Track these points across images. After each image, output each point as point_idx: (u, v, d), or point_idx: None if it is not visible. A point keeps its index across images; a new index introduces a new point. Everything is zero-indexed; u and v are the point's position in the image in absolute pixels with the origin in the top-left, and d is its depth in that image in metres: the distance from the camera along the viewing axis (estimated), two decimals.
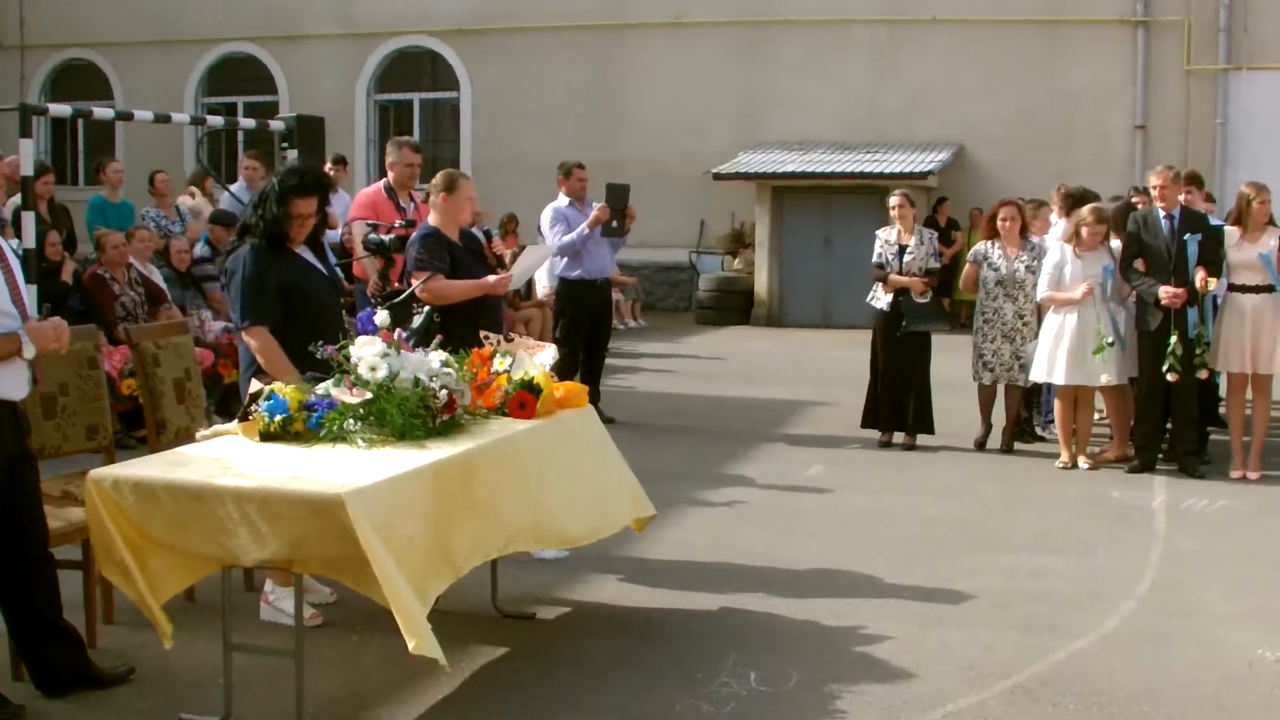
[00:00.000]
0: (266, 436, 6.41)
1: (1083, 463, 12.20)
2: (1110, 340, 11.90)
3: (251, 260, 7.49)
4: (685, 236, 27.77)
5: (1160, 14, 25.92)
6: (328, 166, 16.00)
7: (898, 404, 13.06)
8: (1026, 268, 12.74)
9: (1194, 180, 13.35)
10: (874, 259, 13.09)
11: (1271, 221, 11.77)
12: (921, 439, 13.05)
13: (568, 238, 13.83)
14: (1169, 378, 11.58)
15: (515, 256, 13.57)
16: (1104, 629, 7.69)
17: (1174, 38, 25.89)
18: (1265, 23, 25.35)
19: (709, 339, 23.40)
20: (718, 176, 26.06)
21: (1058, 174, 19.84)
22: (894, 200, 13.16)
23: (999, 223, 12.92)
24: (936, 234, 14.18)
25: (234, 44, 30.70)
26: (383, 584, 5.47)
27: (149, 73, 30.63)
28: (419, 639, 5.52)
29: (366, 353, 6.52)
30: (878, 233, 13.24)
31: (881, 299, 12.98)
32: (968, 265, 13.21)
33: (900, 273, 12.90)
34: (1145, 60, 26.06)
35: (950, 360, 13.57)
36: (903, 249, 12.96)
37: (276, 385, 6.59)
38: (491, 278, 9.27)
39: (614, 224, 13.85)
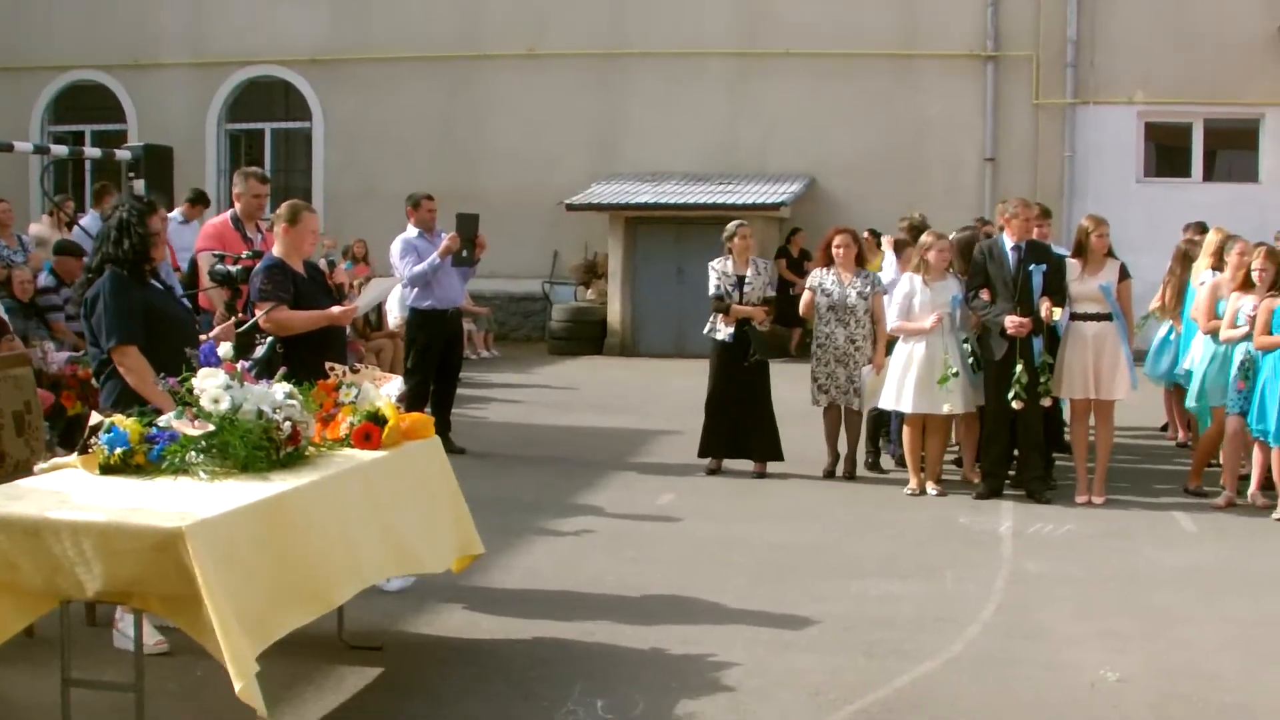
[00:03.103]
0: (107, 469, 6.32)
1: (931, 489, 12.34)
2: (955, 370, 12.07)
3: (114, 285, 7.54)
4: (539, 267, 27.75)
5: (1010, 49, 26.35)
6: (184, 203, 15.86)
7: (742, 433, 13.14)
8: (859, 294, 12.90)
9: (1044, 214, 13.60)
10: (712, 291, 13.14)
11: (1111, 253, 12.02)
12: (772, 466, 13.11)
13: (418, 268, 13.81)
14: (1014, 405, 11.77)
15: (363, 286, 13.51)
16: (950, 652, 7.78)
17: (1023, 72, 26.34)
18: (1111, 57, 25.87)
19: (562, 369, 23.39)
20: (571, 207, 26.06)
21: (909, 205, 20.02)
22: (735, 231, 13.22)
23: (833, 250, 13.07)
24: (772, 263, 14.30)
25: (82, 71, 30.22)
26: (215, 621, 5.38)
27: None
28: (245, 681, 5.41)
29: (209, 384, 6.45)
30: (711, 265, 13.29)
31: (722, 330, 13.03)
32: (805, 292, 13.34)
33: (740, 303, 12.99)
34: (995, 94, 26.48)
35: (798, 387, 13.67)
36: (741, 280, 13.05)
37: (117, 417, 6.51)
38: (336, 308, 9.23)
39: (464, 253, 13.86)
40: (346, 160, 28.93)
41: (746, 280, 13.04)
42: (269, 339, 8.52)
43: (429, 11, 28.31)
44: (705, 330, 13.30)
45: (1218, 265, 13.07)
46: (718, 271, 13.16)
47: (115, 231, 7.63)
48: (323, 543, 6.34)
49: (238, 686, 5.40)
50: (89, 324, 7.67)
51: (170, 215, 13.25)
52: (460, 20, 28.17)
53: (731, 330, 12.96)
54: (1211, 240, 13.53)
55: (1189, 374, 13.05)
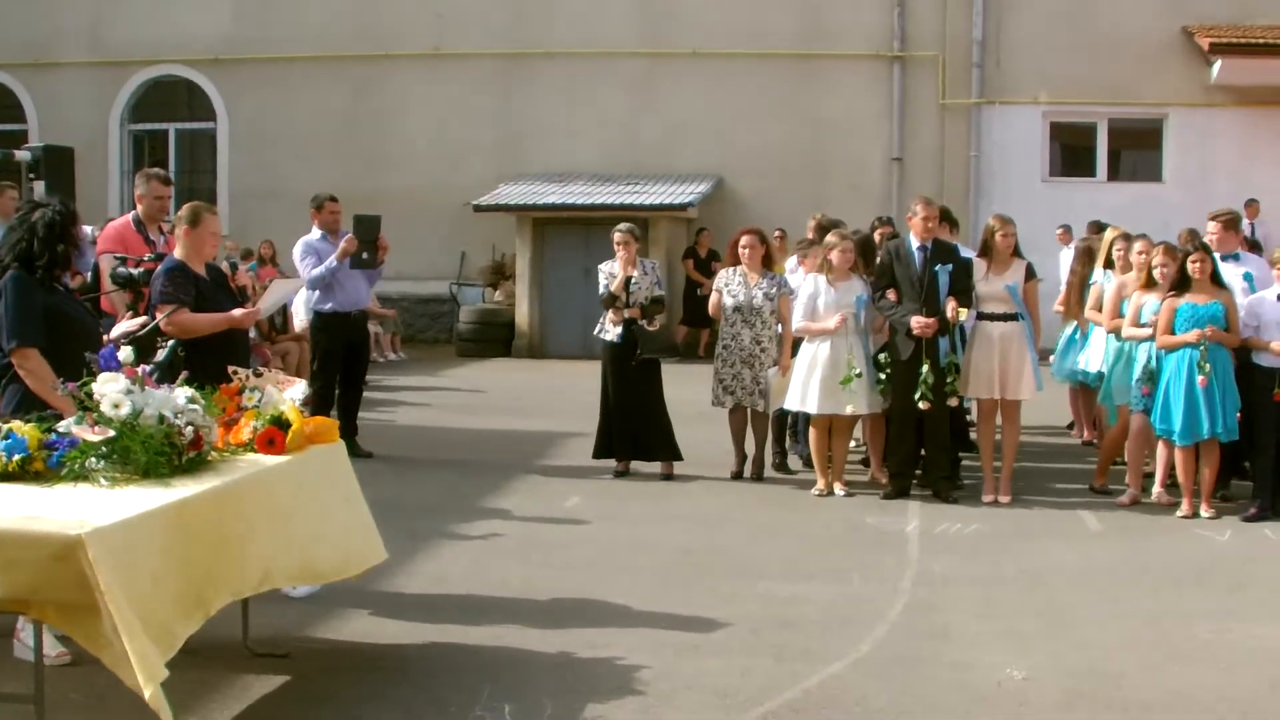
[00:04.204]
0: (4, 477, 6.22)
1: (839, 490, 12.38)
2: (859, 371, 12.12)
3: (17, 286, 7.45)
4: (445, 268, 27.63)
5: (916, 49, 26.54)
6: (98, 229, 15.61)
7: (634, 433, 13.19)
8: (765, 295, 12.92)
9: (944, 216, 13.63)
10: (601, 292, 13.19)
11: (1017, 253, 12.09)
12: (679, 468, 13.12)
13: (316, 270, 13.72)
14: (921, 406, 11.82)
15: (266, 289, 13.38)
16: (857, 653, 7.80)
17: (929, 72, 26.54)
18: (1016, 58, 26.14)
19: (470, 371, 23.31)
20: (478, 208, 25.99)
21: (815, 205, 20.08)
22: (618, 236, 13.24)
23: (740, 250, 13.09)
24: (658, 264, 14.33)
25: None
26: (121, 628, 5.31)
27: None
28: (154, 687, 5.35)
29: (109, 389, 6.36)
30: (600, 267, 13.37)
31: (610, 330, 13.08)
32: (713, 293, 13.35)
33: (628, 303, 13.01)
34: (901, 94, 26.67)
35: (708, 388, 13.68)
36: (628, 280, 13.07)
37: (15, 424, 6.41)
38: (238, 311, 9.18)
39: (364, 255, 13.73)
40: (251, 161, 28.67)
41: (634, 280, 13.07)
42: (170, 342, 8.42)
43: (332, 10, 28.13)
44: (595, 331, 13.34)
45: (1108, 264, 13.19)
46: (605, 273, 13.22)
47: (45, 231, 7.52)
48: (224, 550, 6.27)
49: (147, 693, 5.33)
50: None
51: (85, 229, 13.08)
52: (364, 19, 28.01)
53: (620, 330, 12.99)
54: (1106, 238, 13.65)
55: (1091, 373, 13.18)
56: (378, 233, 13.90)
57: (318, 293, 13.85)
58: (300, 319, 19.58)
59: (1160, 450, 11.92)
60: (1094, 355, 13.18)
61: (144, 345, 7.99)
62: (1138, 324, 11.83)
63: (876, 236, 13.49)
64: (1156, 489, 12.00)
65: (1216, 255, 11.90)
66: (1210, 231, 12.50)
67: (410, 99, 27.96)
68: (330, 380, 13.83)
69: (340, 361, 14.04)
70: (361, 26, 28.02)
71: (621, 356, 13.05)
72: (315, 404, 12.56)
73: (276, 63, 28.34)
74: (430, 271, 27.25)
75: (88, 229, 14.17)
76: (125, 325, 8.67)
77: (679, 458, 13.17)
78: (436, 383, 21.33)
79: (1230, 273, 12.01)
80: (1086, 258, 14.37)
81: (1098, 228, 16.26)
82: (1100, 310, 12.78)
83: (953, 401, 12.12)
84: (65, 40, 29.26)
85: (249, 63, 28.52)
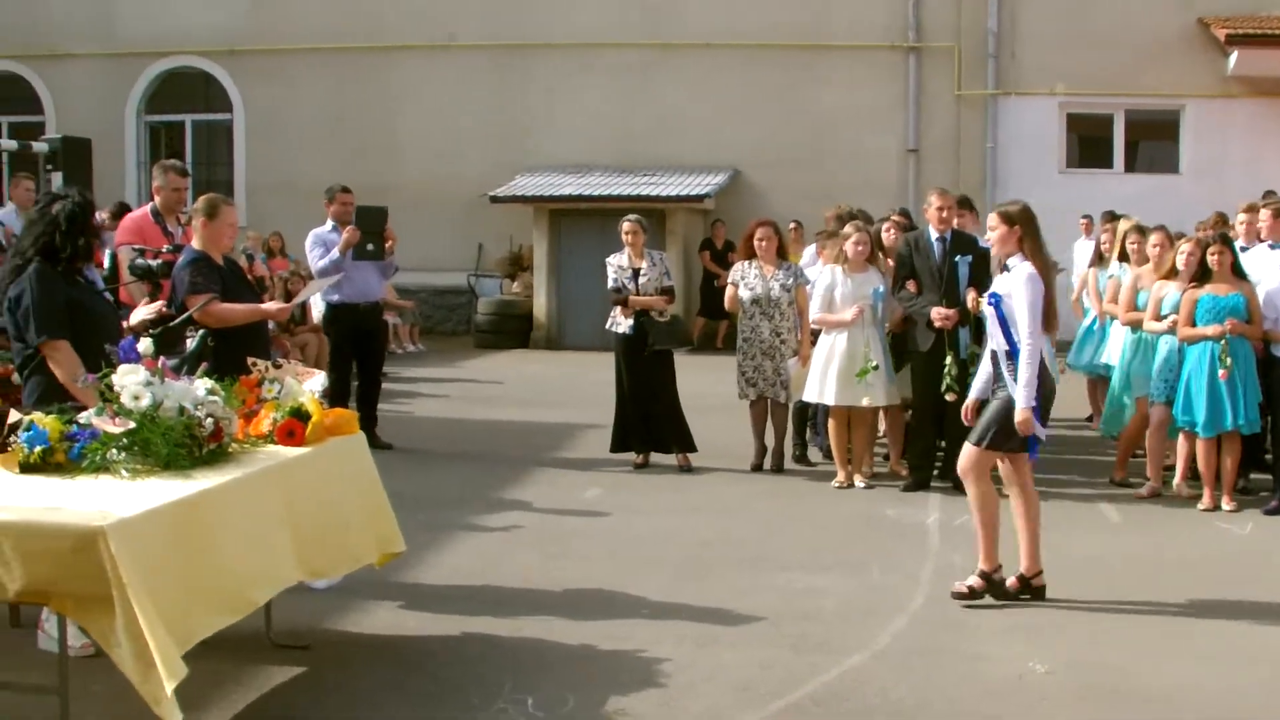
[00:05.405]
0: (26, 468, 6.23)
1: (859, 481, 12.35)
2: (875, 364, 12.09)
3: (41, 280, 7.45)
4: (463, 259, 27.59)
5: (931, 40, 26.48)
6: (105, 214, 15.57)
7: (649, 425, 13.18)
8: (782, 286, 12.90)
9: (965, 203, 13.59)
10: (610, 284, 13.20)
11: None
12: (698, 460, 13.10)
13: (321, 262, 13.72)
14: (947, 397, 11.74)
15: (285, 281, 13.40)
16: (876, 645, 7.79)
17: (945, 63, 26.48)
18: (1031, 50, 26.06)
19: (487, 363, 23.31)
20: (495, 199, 26.01)
21: (831, 196, 20.05)
22: (626, 226, 13.24)
23: (755, 242, 13.07)
24: (666, 255, 14.32)
25: None
26: (141, 620, 5.31)
27: None
28: (170, 686, 5.34)
29: (129, 381, 6.36)
30: (609, 260, 13.36)
31: (622, 323, 13.08)
32: (729, 286, 13.31)
33: (637, 295, 13.00)
34: (917, 85, 26.62)
35: (726, 380, 13.66)
36: (636, 272, 13.07)
37: (36, 415, 6.41)
38: (271, 304, 9.27)
39: (369, 247, 13.67)
40: (267, 152, 28.66)
41: (642, 272, 13.06)
42: (200, 332, 8.43)
43: (345, 0, 28.12)
44: (607, 325, 13.34)
45: (1123, 256, 13.15)
46: (614, 266, 13.21)
47: (67, 223, 7.52)
48: (244, 542, 6.28)
49: (168, 688, 5.32)
50: (13, 317, 7.54)
51: None
52: (380, 9, 28.00)
53: (631, 323, 12.99)
54: (1119, 230, 13.61)
55: (1112, 366, 13.14)
56: (384, 224, 13.86)
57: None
58: (318, 310, 19.60)
59: (1180, 442, 11.88)
60: (1114, 348, 13.12)
61: (174, 336, 8.01)
62: (1158, 316, 11.79)
63: (887, 231, 13.33)
64: (1177, 481, 11.96)
65: (1241, 245, 11.85)
66: (1261, 220, 12.33)
67: (425, 90, 27.95)
68: (343, 372, 13.83)
69: (352, 353, 14.07)
70: (375, 17, 28.00)
71: (634, 349, 13.05)
72: (329, 395, 12.57)
73: (291, 54, 28.33)
74: (448, 263, 27.23)
75: (100, 215, 14.21)
76: (143, 311, 8.66)
77: (693, 448, 13.16)
78: (455, 374, 21.35)
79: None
80: (1099, 256, 14.39)
81: (1111, 217, 16.21)
82: (1117, 303, 12.74)
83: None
84: (81, 32, 29.26)
85: (263, 54, 28.51)
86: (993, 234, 8.83)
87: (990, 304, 8.80)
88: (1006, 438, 8.59)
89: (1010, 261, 8.76)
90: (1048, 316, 8.68)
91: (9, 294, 7.53)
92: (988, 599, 8.66)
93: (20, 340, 7.55)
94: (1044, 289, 8.63)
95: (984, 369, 8.98)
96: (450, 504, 11.42)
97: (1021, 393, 8.45)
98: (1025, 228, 8.72)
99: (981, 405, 8.84)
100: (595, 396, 15.87)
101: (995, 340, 8.75)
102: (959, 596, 8.66)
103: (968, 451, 8.81)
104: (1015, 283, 8.62)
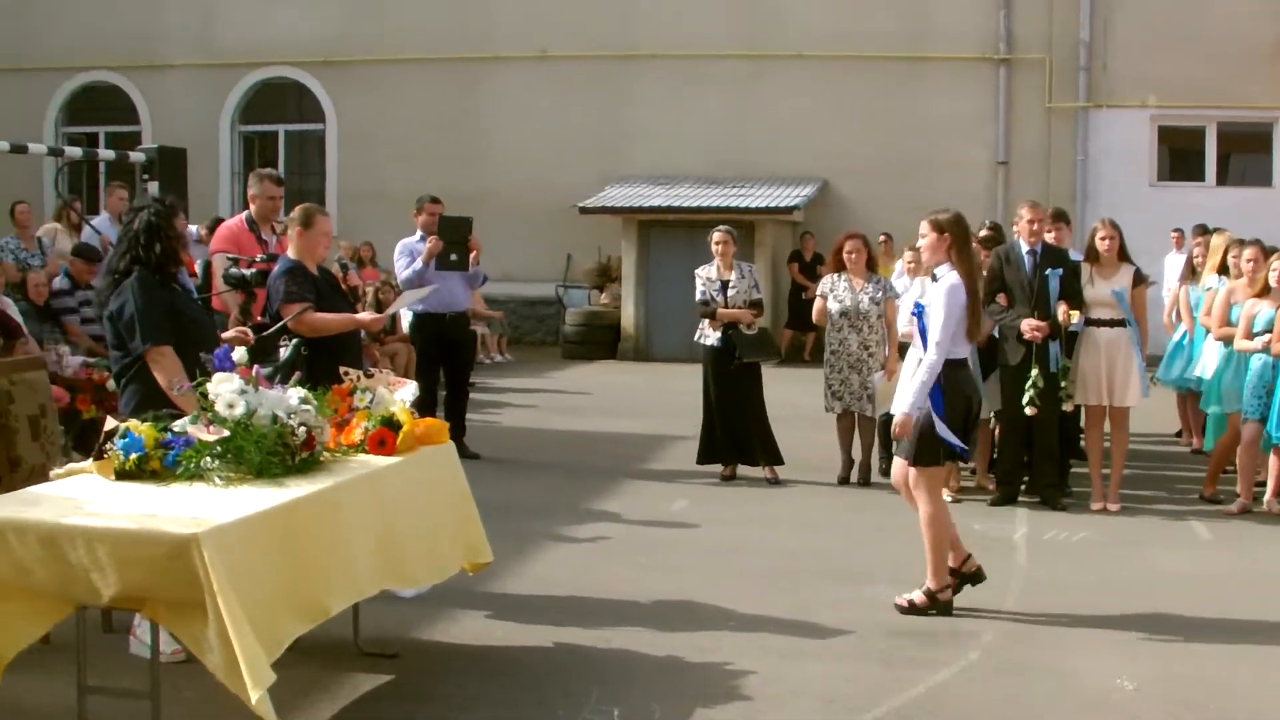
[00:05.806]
0: (122, 475, 6.31)
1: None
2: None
3: (142, 286, 7.56)
4: (551, 270, 27.71)
5: (1022, 52, 26.38)
6: (202, 229, 15.65)
7: (737, 437, 13.18)
8: (871, 299, 12.89)
9: (1060, 216, 13.50)
10: (698, 297, 13.22)
11: (1125, 258, 11.96)
12: (785, 473, 13.09)
13: (405, 272, 13.82)
14: (1028, 411, 11.71)
15: (376, 291, 13.50)
16: (964, 661, 7.75)
17: (1035, 75, 26.38)
18: (1123, 62, 25.89)
19: (575, 373, 23.36)
20: (584, 210, 26.07)
21: (920, 208, 19.82)
22: (716, 236, 13.24)
23: (845, 255, 13.06)
24: (755, 267, 14.32)
25: (95, 72, 30.29)
26: (231, 628, 5.36)
27: (5, 101, 29.97)
28: (260, 692, 5.37)
29: (224, 389, 6.44)
30: (697, 271, 13.37)
31: (710, 335, 13.11)
32: (817, 299, 13.31)
33: (725, 307, 13.01)
34: (1007, 97, 26.53)
35: (813, 392, 13.65)
36: (725, 284, 13.08)
37: (132, 423, 6.49)
38: (365, 314, 9.34)
39: (453, 257, 13.72)
40: (359, 162, 28.93)
41: (730, 284, 13.07)
42: (294, 340, 8.51)
43: (438, 11, 28.36)
44: (695, 337, 13.35)
45: (1223, 269, 13.06)
46: (703, 278, 13.22)
47: (144, 235, 7.63)
48: (330, 551, 6.32)
49: (254, 697, 5.36)
50: (114, 326, 7.64)
51: (189, 228, 13.23)
52: (472, 21, 28.20)
53: (719, 335, 12.99)
54: (1216, 244, 13.51)
55: (1201, 380, 13.03)
56: (468, 234, 13.88)
57: None
58: (407, 320, 19.72)
59: (1273, 460, 11.77)
60: (1207, 363, 13.01)
61: (267, 345, 8.09)
62: (1250, 334, 11.70)
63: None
64: (1269, 497, 11.84)
65: None
66: None
67: (514, 101, 28.10)
68: (429, 381, 13.84)
69: (437, 362, 14.14)
70: (467, 28, 28.21)
71: (721, 361, 13.06)
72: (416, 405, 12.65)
73: (384, 64, 28.60)
74: (536, 273, 27.37)
75: (192, 228, 14.36)
76: (231, 334, 8.75)
77: (780, 461, 13.14)
78: (542, 384, 21.41)
79: None
80: (1190, 271, 14.29)
81: (1203, 231, 16.08)
82: (1210, 316, 12.65)
83: (1068, 406, 12.01)
84: (176, 42, 29.67)
85: (357, 64, 28.81)
86: (923, 241, 8.81)
87: (914, 314, 8.80)
88: (932, 450, 8.55)
89: (938, 270, 8.72)
90: (971, 327, 8.64)
91: (110, 307, 7.63)
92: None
93: (120, 349, 7.65)
94: (965, 300, 8.57)
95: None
96: (538, 514, 11.46)
97: (908, 397, 8.46)
98: (955, 237, 8.67)
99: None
100: (682, 407, 15.89)
101: (917, 350, 8.75)
102: (902, 610, 8.66)
103: (898, 467, 8.82)
104: (936, 292, 8.59)
